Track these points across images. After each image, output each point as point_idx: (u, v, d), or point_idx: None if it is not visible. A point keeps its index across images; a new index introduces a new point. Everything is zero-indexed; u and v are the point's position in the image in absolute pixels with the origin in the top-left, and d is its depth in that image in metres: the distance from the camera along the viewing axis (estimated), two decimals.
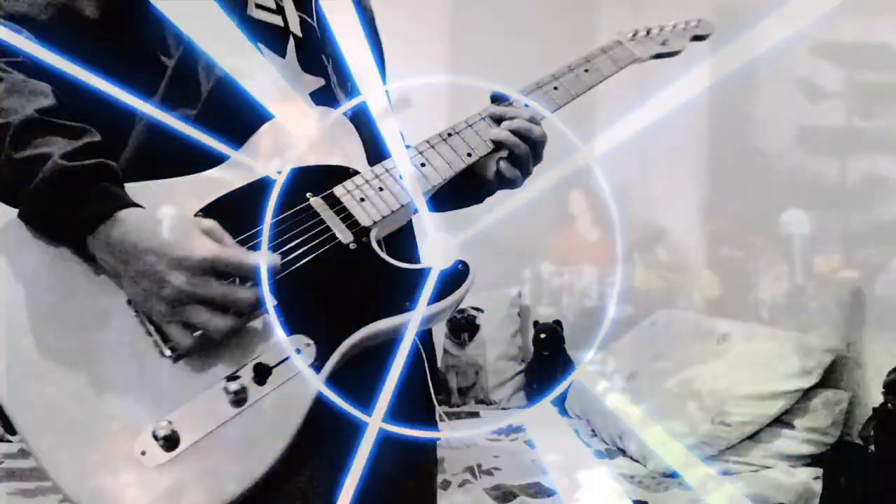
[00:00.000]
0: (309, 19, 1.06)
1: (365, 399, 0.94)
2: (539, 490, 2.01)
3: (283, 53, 0.98)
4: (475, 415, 2.86)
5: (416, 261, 1.07)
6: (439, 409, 1.08)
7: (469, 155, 1.04)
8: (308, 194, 0.93)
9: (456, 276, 0.94)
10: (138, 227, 0.80)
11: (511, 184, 1.10)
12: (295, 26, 1.02)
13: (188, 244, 0.79)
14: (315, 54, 1.03)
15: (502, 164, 1.08)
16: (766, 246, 2.48)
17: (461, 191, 1.12)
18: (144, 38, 0.93)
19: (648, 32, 1.20)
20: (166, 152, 0.89)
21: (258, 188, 0.91)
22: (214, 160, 0.91)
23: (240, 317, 0.81)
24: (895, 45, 2.03)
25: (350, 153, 0.99)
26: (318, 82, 1.01)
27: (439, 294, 0.92)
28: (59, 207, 0.80)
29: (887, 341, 1.99)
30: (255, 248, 0.86)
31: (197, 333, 0.79)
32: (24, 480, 2.16)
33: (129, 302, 0.82)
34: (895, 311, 1.98)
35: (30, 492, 2.05)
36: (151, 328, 0.81)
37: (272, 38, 0.98)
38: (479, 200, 1.22)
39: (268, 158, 0.94)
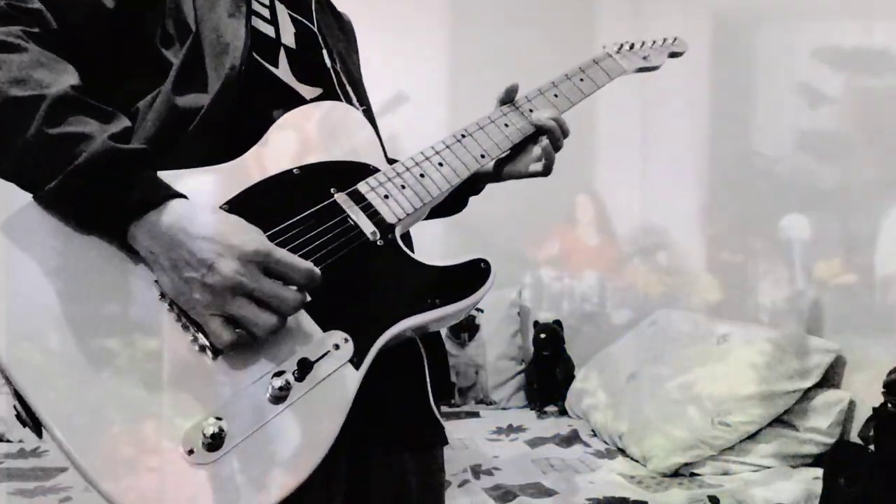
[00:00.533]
0: (308, 23, 1.06)
1: (373, 408, 0.94)
2: (539, 490, 2.01)
3: (275, 64, 0.99)
4: (475, 415, 2.86)
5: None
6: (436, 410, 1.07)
7: (482, 157, 1.07)
8: (332, 189, 0.93)
9: (479, 274, 0.95)
10: (190, 215, 0.78)
11: (547, 171, 1.14)
12: (288, 37, 1.02)
13: (242, 234, 0.78)
14: (313, 62, 1.04)
15: (538, 150, 1.11)
16: (766, 248, 2.48)
17: (452, 196, 1.13)
18: (155, 28, 0.92)
19: (632, 47, 1.27)
20: (183, 140, 0.88)
21: (281, 182, 0.91)
22: (226, 153, 0.90)
23: (285, 318, 0.79)
24: (894, 50, 2.03)
25: (368, 150, 1.01)
26: (314, 92, 1.02)
27: (465, 291, 0.94)
28: (106, 190, 0.77)
29: (887, 342, 2.00)
30: (283, 244, 0.85)
31: (238, 329, 0.77)
32: (24, 480, 2.16)
33: (163, 296, 0.79)
34: (895, 311, 1.98)
35: (30, 492, 2.05)
36: (188, 323, 0.79)
37: (266, 47, 0.98)
38: (464, 205, 1.26)
39: (286, 153, 0.94)
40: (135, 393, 0.75)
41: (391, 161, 1.03)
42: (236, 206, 0.86)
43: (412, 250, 1.06)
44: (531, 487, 2.03)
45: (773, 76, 2.45)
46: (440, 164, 1.03)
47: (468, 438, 2.53)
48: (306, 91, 1.01)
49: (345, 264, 0.89)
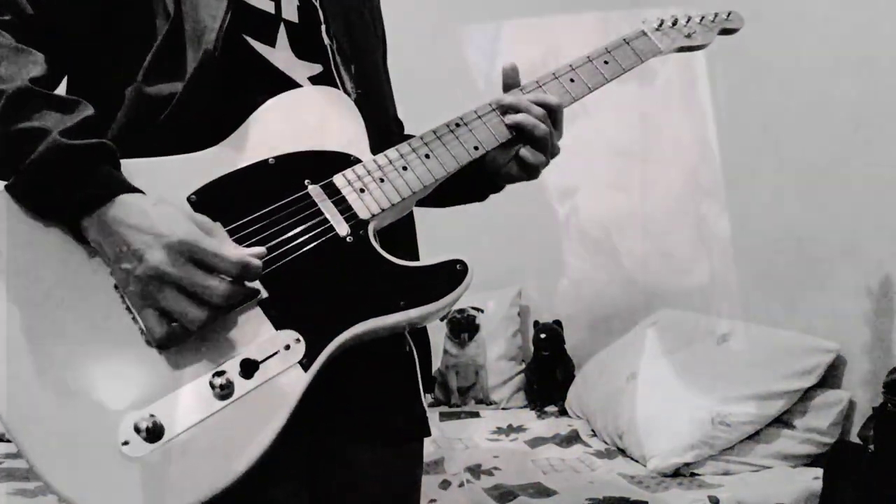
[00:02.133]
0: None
1: (348, 401, 0.93)
2: (539, 490, 2.01)
3: (272, 42, 0.95)
4: (475, 415, 2.86)
5: (415, 254, 1.05)
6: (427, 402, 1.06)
7: (476, 149, 1.00)
8: (306, 181, 0.90)
9: (454, 276, 0.91)
10: (132, 208, 0.78)
11: (535, 171, 1.04)
12: (290, 10, 0.98)
13: (172, 224, 0.77)
14: (314, 39, 0.99)
15: (523, 150, 1.02)
16: (766, 248, 2.48)
17: (466, 185, 1.09)
18: (132, 6, 0.90)
19: (675, 23, 1.13)
20: (156, 129, 0.86)
21: (254, 172, 0.88)
22: (208, 139, 0.88)
23: (216, 310, 0.78)
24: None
25: (353, 139, 0.96)
26: (314, 69, 0.98)
27: (435, 294, 0.89)
28: (57, 186, 0.78)
29: (887, 341, 2.00)
30: (249, 236, 0.84)
31: (173, 323, 0.77)
32: (24, 480, 2.16)
33: (117, 287, 0.80)
34: (895, 310, 1.98)
35: (30, 492, 2.05)
36: (137, 314, 0.79)
37: (260, 25, 0.94)
38: (482, 198, 1.18)
39: (265, 141, 0.90)
40: (80, 381, 0.76)
41: (407, 137, 0.99)
42: (204, 195, 0.85)
43: (412, 244, 1.03)
44: (531, 487, 2.03)
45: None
46: (426, 157, 0.97)
47: (468, 438, 2.53)
48: (305, 69, 0.97)
49: (311, 260, 0.86)
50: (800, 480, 1.97)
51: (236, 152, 0.89)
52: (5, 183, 0.79)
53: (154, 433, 0.74)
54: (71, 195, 0.78)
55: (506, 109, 1.02)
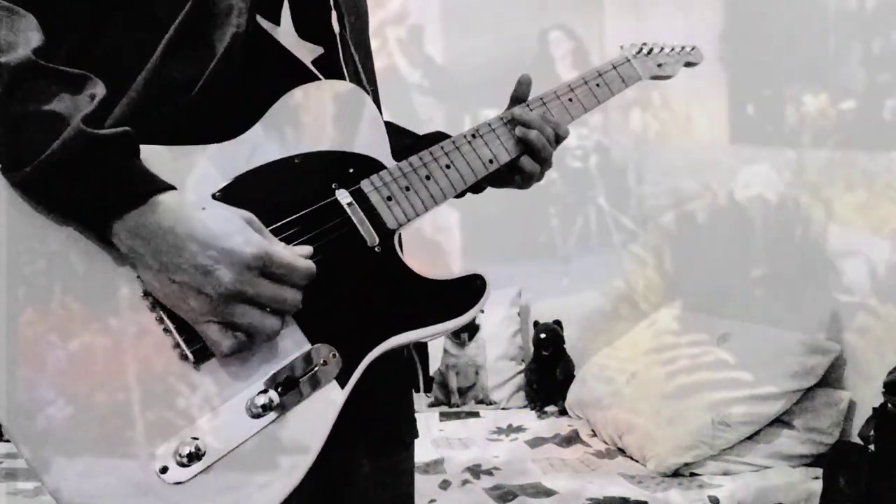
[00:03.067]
0: None
1: (347, 408, 0.92)
2: (539, 490, 2.01)
3: (277, 20, 0.89)
4: (475, 415, 2.86)
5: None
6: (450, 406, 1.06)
7: (491, 162, 1.00)
8: (334, 185, 0.87)
9: (475, 291, 0.90)
10: (177, 212, 0.71)
11: (529, 181, 1.06)
12: None
13: (238, 237, 0.71)
14: (319, 17, 0.95)
15: (524, 158, 1.04)
16: (766, 248, 2.48)
17: None
18: None
19: (650, 51, 1.19)
20: (174, 114, 0.81)
21: (279, 171, 0.84)
22: (228, 128, 0.83)
23: (284, 317, 0.76)
24: None
25: (377, 142, 0.93)
26: (316, 51, 0.93)
27: (459, 309, 0.89)
28: (82, 183, 0.69)
29: (887, 341, 1.99)
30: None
31: (238, 334, 0.73)
32: (24, 480, 2.16)
33: (146, 295, 0.73)
34: (895, 310, 1.98)
35: (30, 492, 2.05)
36: (172, 326, 0.73)
37: (267, 1, 0.89)
38: (479, 190, 1.17)
39: (289, 135, 0.86)
40: (109, 403, 0.69)
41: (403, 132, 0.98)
42: (229, 194, 0.80)
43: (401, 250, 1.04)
44: (531, 487, 2.03)
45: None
46: (447, 167, 0.96)
47: (468, 438, 2.53)
48: (308, 50, 0.92)
49: (340, 270, 0.84)
50: (800, 480, 1.97)
51: (259, 146, 0.84)
52: (9, 174, 0.70)
53: (193, 457, 0.70)
54: (100, 195, 0.69)
55: (519, 124, 1.03)
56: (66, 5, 0.79)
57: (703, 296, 2.76)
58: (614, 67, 1.14)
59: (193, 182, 0.79)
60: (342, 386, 0.79)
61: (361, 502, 0.99)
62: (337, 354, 0.80)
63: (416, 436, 1.08)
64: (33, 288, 0.70)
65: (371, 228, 0.87)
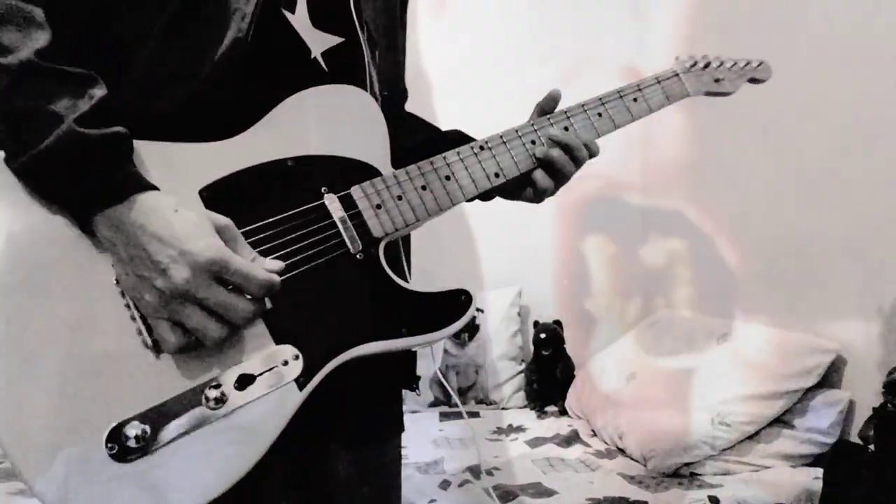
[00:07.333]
0: None
1: (335, 404, 0.90)
2: (539, 490, 2.01)
3: (292, 8, 0.90)
4: (475, 415, 2.86)
5: (404, 269, 1.02)
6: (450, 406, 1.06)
7: (496, 175, 0.97)
8: (323, 189, 0.87)
9: (457, 307, 0.89)
10: (149, 212, 0.75)
11: (542, 194, 1.03)
12: None
13: (199, 241, 0.74)
14: (338, 7, 0.94)
15: (537, 172, 1.01)
16: (766, 247, 2.48)
17: None
18: None
19: (707, 66, 1.11)
20: (172, 112, 0.82)
21: (271, 171, 0.85)
22: (227, 128, 0.84)
23: (233, 327, 0.77)
24: None
25: (375, 149, 0.92)
26: (332, 40, 0.92)
27: (438, 323, 0.88)
28: (68, 177, 0.74)
29: (887, 341, 1.99)
30: (260, 242, 0.82)
31: (186, 335, 0.75)
32: None
33: (118, 282, 0.77)
34: (895, 310, 1.98)
35: (30, 492, 2.05)
36: (137, 314, 0.76)
37: None
38: (488, 198, 1.16)
39: (286, 138, 0.87)
40: (70, 381, 0.73)
41: (416, 121, 0.96)
42: (215, 191, 0.81)
43: (405, 253, 1.01)
44: (531, 487, 2.03)
45: None
46: (447, 178, 0.94)
47: (468, 438, 2.53)
48: (321, 40, 0.91)
49: (318, 275, 0.84)
50: (800, 480, 1.97)
51: (254, 146, 0.85)
52: (10, 163, 0.75)
53: (143, 440, 0.73)
54: (84, 189, 0.74)
55: (550, 139, 1.00)
56: None
57: (704, 296, 2.77)
58: (658, 81, 1.07)
59: (183, 178, 0.80)
60: (300, 388, 0.80)
61: (342, 495, 0.99)
62: (300, 356, 0.81)
63: (401, 430, 1.08)
64: (15, 262, 0.74)
65: (355, 235, 0.87)
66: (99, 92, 0.77)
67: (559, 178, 1.02)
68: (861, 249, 2.10)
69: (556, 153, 0.99)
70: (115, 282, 0.77)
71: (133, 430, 0.73)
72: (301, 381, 0.80)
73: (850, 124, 2.13)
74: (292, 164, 0.86)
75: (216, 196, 0.81)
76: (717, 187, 2.75)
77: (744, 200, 2.59)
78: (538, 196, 1.04)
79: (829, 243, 2.21)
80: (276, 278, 0.78)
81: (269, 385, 0.79)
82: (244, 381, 0.78)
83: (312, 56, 0.91)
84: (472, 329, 2.97)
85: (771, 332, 2.29)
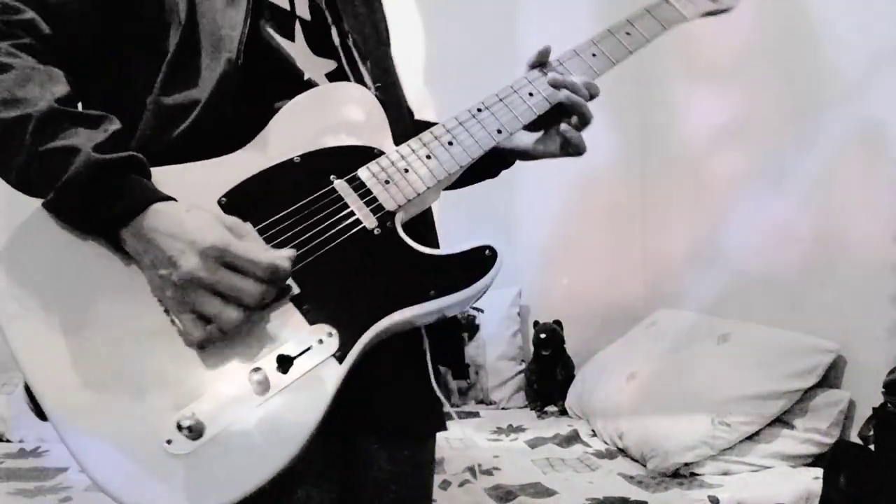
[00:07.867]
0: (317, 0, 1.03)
1: (370, 401, 0.93)
2: (539, 490, 2.01)
3: (292, 37, 0.96)
4: (475, 415, 2.86)
5: (434, 243, 1.05)
6: (449, 406, 1.07)
7: (499, 132, 1.00)
8: (332, 176, 0.91)
9: (483, 263, 0.91)
10: (165, 216, 0.80)
11: (577, 150, 1.05)
12: (303, 8, 0.99)
13: (203, 230, 0.78)
14: (326, 35, 1.00)
15: (566, 128, 1.02)
16: (766, 248, 2.48)
17: (479, 164, 1.07)
18: (147, 17, 0.90)
19: None
20: (179, 137, 0.88)
21: (281, 171, 0.90)
22: (232, 144, 0.90)
23: (248, 310, 0.80)
24: None
25: (375, 132, 0.96)
26: (329, 65, 0.99)
27: (465, 281, 0.89)
28: (92, 201, 0.80)
29: (887, 342, 1.99)
30: (279, 234, 0.86)
31: (209, 326, 0.79)
32: (24, 480, 2.16)
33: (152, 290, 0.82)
34: (895, 310, 1.98)
35: (30, 492, 2.05)
36: (175, 318, 0.81)
37: (281, 20, 0.96)
38: (495, 174, 1.18)
39: (289, 141, 0.92)
40: (124, 381, 0.78)
41: (423, 125, 0.99)
42: (233, 197, 0.87)
43: (431, 231, 1.03)
44: (531, 487, 2.03)
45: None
46: (450, 143, 0.97)
47: (468, 438, 2.53)
48: (322, 65, 0.98)
49: (340, 255, 0.87)
50: (800, 480, 1.97)
51: (262, 154, 0.90)
52: (43, 201, 0.82)
53: (196, 431, 0.76)
54: (107, 209, 0.80)
55: (554, 84, 1.02)
56: (88, 48, 0.90)
57: (704, 296, 2.77)
58: (649, 11, 1.07)
59: (200, 193, 0.86)
60: (340, 362, 0.82)
61: (376, 493, 1.01)
62: (334, 333, 0.83)
63: (440, 429, 1.09)
64: (69, 289, 0.81)
65: (369, 212, 0.90)
66: (114, 125, 0.83)
67: (581, 115, 1.03)
68: (861, 249, 2.10)
69: (563, 94, 1.01)
70: (150, 291, 0.82)
71: (187, 420, 0.76)
72: (339, 356, 0.82)
73: (850, 124, 2.13)
74: (299, 160, 0.91)
75: (233, 202, 0.86)
76: (718, 187, 2.75)
77: (744, 199, 2.59)
78: (576, 149, 1.05)
79: (829, 243, 2.21)
80: (283, 261, 0.80)
81: (308, 364, 0.81)
82: (284, 364, 0.81)
83: (306, 78, 0.96)
84: (473, 329, 2.97)
85: (771, 332, 2.29)
